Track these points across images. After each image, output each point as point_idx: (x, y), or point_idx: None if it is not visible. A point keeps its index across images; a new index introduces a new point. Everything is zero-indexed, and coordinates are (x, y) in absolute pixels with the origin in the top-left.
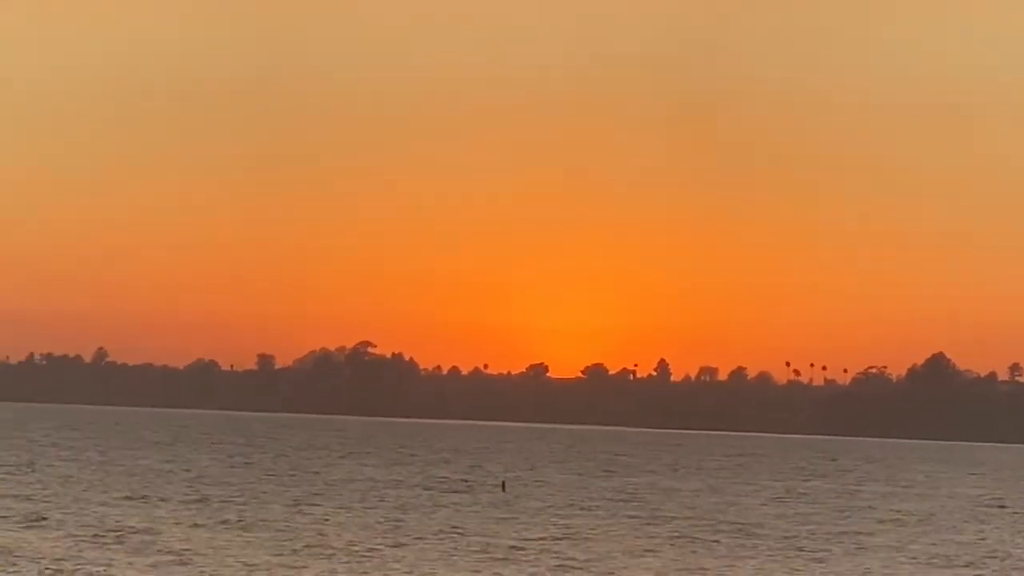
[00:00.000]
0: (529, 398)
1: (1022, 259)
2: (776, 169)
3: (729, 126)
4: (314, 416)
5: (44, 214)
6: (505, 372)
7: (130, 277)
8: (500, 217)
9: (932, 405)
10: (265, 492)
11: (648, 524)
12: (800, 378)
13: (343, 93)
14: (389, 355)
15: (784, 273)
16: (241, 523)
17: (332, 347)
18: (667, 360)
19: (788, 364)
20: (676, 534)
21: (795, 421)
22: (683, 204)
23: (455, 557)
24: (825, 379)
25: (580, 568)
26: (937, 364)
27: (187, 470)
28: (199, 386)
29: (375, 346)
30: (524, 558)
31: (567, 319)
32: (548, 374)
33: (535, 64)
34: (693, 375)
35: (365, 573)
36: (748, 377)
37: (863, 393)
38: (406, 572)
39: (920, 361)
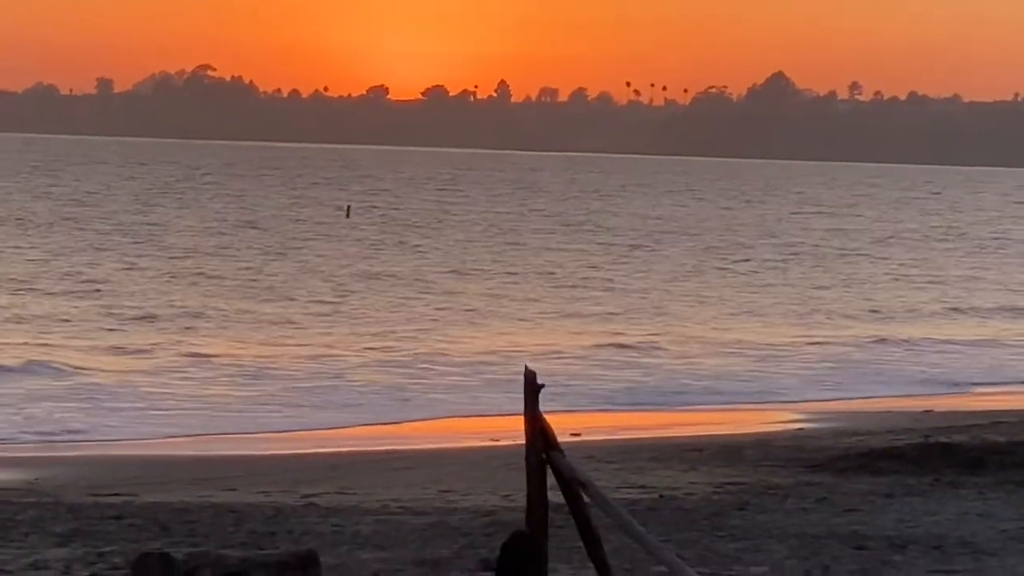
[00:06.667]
0: (369, 120)
1: None
2: None
3: None
4: (155, 140)
5: None
6: (345, 95)
7: None
8: None
9: (772, 124)
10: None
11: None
12: (640, 98)
13: None
14: (228, 78)
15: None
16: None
17: (172, 71)
18: (507, 82)
19: (628, 85)
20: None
21: (636, 142)
22: None
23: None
24: (666, 99)
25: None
26: (777, 83)
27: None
28: (38, 110)
29: (215, 69)
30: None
31: (407, 41)
32: (388, 96)
33: None
34: (534, 96)
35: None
36: (589, 98)
37: (703, 112)
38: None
39: (760, 81)
